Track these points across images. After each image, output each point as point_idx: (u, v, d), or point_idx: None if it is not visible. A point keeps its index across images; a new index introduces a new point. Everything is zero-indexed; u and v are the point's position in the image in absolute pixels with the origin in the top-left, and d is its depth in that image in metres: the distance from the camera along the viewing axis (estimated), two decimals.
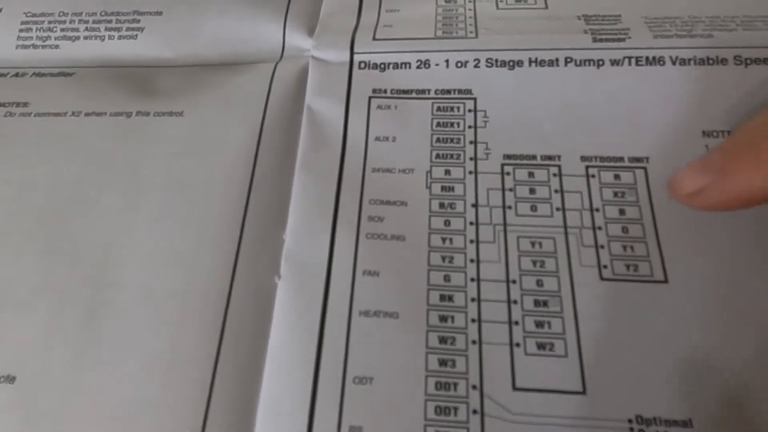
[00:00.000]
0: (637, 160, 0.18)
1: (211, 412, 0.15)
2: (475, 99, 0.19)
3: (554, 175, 0.18)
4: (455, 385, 0.15)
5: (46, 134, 0.19)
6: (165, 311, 0.16)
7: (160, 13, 0.22)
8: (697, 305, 0.15)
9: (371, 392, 0.15)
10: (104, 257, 0.17)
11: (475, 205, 0.17)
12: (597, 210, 0.17)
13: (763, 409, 0.14)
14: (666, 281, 0.16)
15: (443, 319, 0.16)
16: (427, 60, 0.20)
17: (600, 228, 0.17)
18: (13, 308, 0.16)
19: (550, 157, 0.18)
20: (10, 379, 0.15)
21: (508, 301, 0.16)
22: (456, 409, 0.14)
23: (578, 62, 0.19)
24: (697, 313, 0.15)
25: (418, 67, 0.20)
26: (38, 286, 0.17)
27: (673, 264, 0.16)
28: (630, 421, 0.14)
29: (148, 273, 0.17)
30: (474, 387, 0.15)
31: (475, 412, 0.14)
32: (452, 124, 0.19)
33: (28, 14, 0.23)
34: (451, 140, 0.19)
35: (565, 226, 0.17)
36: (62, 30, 0.23)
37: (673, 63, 0.19)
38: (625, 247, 0.16)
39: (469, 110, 0.19)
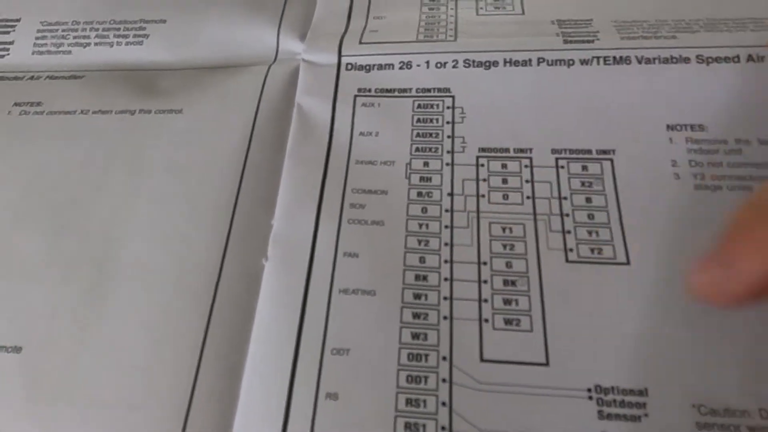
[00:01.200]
0: (604, 152, 0.19)
1: (200, 377, 0.16)
2: (453, 97, 0.20)
3: (525, 166, 0.19)
4: (426, 356, 0.16)
5: (57, 129, 0.21)
6: (160, 286, 0.17)
7: (164, 21, 0.24)
8: (656, 285, 0.16)
9: (348, 362, 0.16)
10: (107, 237, 0.19)
11: (451, 194, 0.19)
12: (565, 198, 0.18)
13: (709, 376, 0.15)
14: (628, 263, 0.17)
15: (417, 296, 0.17)
16: (409, 61, 0.21)
17: (567, 215, 0.18)
18: (22, 280, 0.18)
19: (522, 150, 0.19)
20: (17, 349, 0.17)
21: (479, 281, 0.17)
22: (426, 377, 0.15)
23: (550, 62, 0.20)
24: (655, 292, 0.16)
25: (400, 68, 0.21)
26: (47, 260, 0.18)
27: (636, 248, 0.17)
28: (589, 390, 0.15)
29: (147, 251, 0.18)
30: (444, 358, 0.16)
31: (444, 380, 0.15)
32: (431, 120, 0.20)
33: (44, 23, 0.25)
34: (430, 135, 0.20)
35: (534, 213, 0.18)
36: (75, 37, 0.24)
37: (639, 62, 0.20)
38: (590, 233, 0.17)
39: (448, 107, 0.20)
